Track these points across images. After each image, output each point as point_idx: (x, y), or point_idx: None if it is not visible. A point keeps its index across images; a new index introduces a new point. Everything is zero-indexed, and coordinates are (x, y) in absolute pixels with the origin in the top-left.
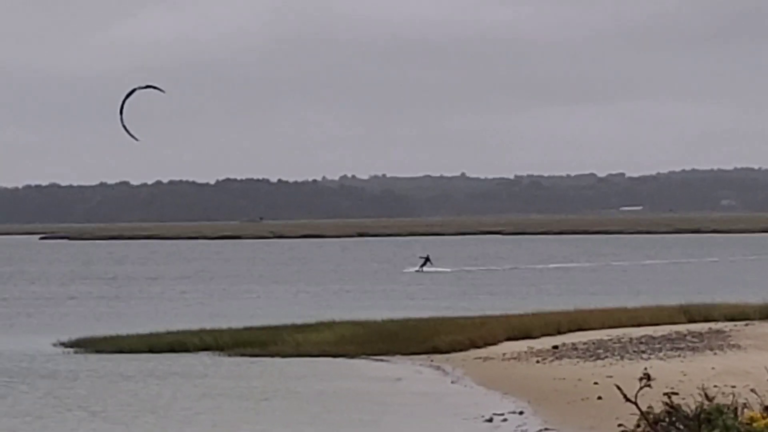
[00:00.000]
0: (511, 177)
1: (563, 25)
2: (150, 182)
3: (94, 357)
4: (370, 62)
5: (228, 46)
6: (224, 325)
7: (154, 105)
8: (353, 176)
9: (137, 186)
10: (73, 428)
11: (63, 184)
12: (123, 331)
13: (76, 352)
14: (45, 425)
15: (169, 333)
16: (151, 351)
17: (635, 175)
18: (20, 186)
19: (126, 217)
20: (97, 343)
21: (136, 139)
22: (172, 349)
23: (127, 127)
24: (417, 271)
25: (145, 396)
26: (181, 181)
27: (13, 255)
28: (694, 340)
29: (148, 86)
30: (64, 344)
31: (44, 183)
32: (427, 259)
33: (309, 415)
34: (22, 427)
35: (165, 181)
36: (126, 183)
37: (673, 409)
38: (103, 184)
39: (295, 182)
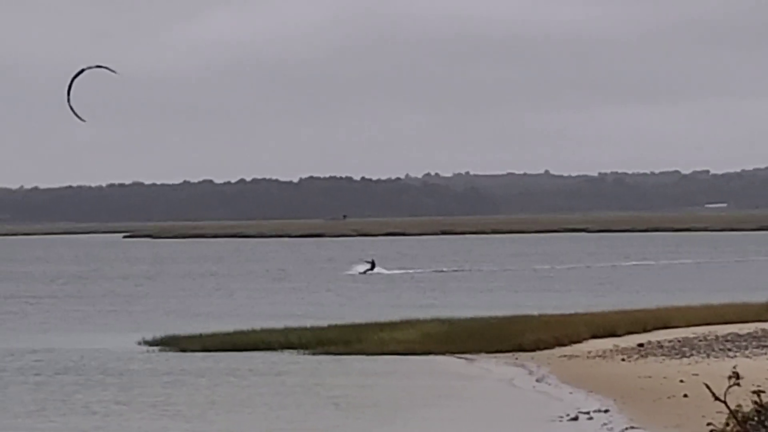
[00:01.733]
0: (595, 174)
1: (632, 22)
2: (233, 180)
3: (177, 355)
4: (444, 61)
5: (299, 45)
6: (308, 323)
7: (234, 103)
8: (436, 174)
9: (220, 184)
10: (148, 426)
11: (146, 182)
12: (208, 329)
13: (160, 351)
14: (118, 423)
15: (252, 331)
16: (235, 349)
17: (720, 172)
18: (104, 185)
19: (209, 216)
20: (182, 341)
21: (83, 120)
22: (256, 348)
23: (73, 107)
24: (361, 273)
25: (224, 394)
26: (264, 179)
27: (96, 254)
28: None
29: (98, 66)
30: (148, 342)
31: (127, 182)
32: (373, 264)
33: (391, 412)
34: (93, 425)
35: (248, 179)
36: (209, 181)
37: (762, 408)
38: (186, 183)
39: (379, 180)
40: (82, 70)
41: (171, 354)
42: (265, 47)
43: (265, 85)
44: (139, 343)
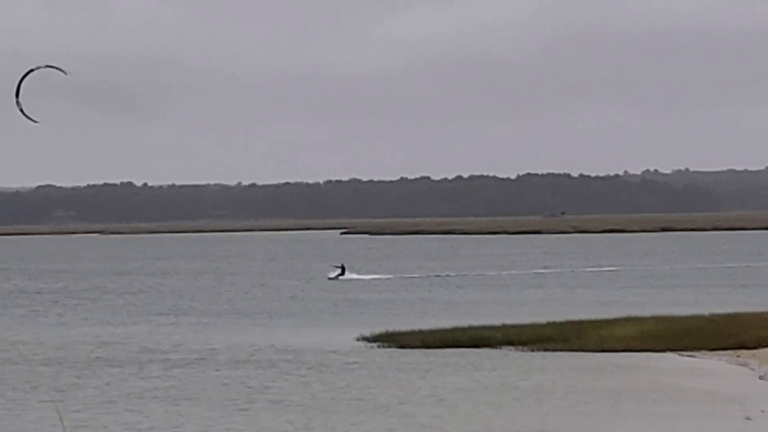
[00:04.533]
0: None
1: None
2: (450, 177)
3: (395, 352)
4: (647, 55)
5: (500, 40)
6: (526, 320)
7: (444, 99)
8: (655, 170)
9: (438, 181)
10: (356, 419)
11: (364, 179)
12: (426, 325)
13: (379, 347)
14: (333, 419)
15: (471, 328)
16: (453, 346)
17: None
18: (321, 181)
19: (426, 212)
20: (400, 337)
21: (35, 122)
22: (475, 344)
23: (23, 108)
24: (331, 279)
25: (429, 389)
26: (481, 176)
27: (314, 251)
28: None
29: (47, 66)
30: (366, 339)
31: (345, 178)
32: (343, 269)
33: (601, 409)
34: (294, 421)
35: (465, 175)
36: (427, 178)
37: None
38: (403, 179)
39: (597, 177)
40: (31, 70)
41: (389, 350)
42: (470, 42)
43: (473, 81)
44: (358, 339)
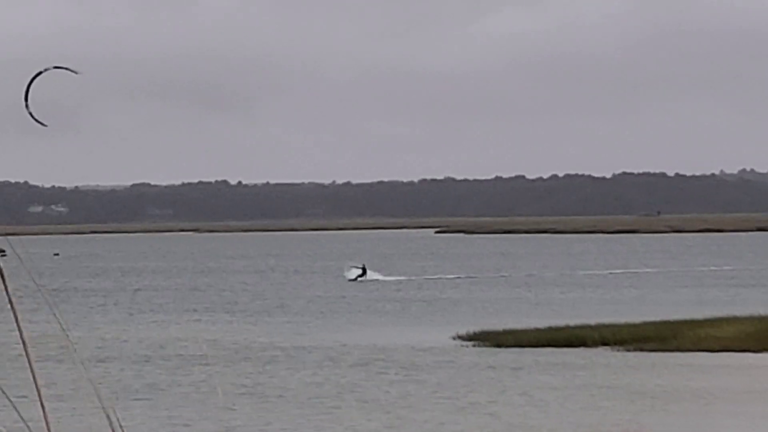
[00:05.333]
0: None
1: None
2: (545, 176)
3: (489, 351)
4: (745, 54)
5: (594, 38)
6: (622, 320)
7: (538, 97)
8: (752, 170)
9: (533, 180)
10: (443, 419)
11: (458, 177)
12: (522, 324)
13: (474, 346)
14: (408, 417)
15: (567, 327)
16: (548, 345)
17: None
18: (416, 180)
19: (521, 211)
20: (496, 336)
21: (44, 125)
22: (570, 344)
23: (33, 113)
24: (351, 280)
25: (520, 388)
26: (576, 175)
27: (409, 249)
28: None
29: (57, 67)
30: (462, 337)
31: (440, 177)
32: (364, 270)
33: (694, 408)
34: (381, 420)
35: (561, 174)
36: (522, 177)
37: None
38: (498, 178)
39: (693, 176)
40: (40, 72)
41: (484, 349)
42: (565, 40)
43: (569, 79)
44: (453, 338)
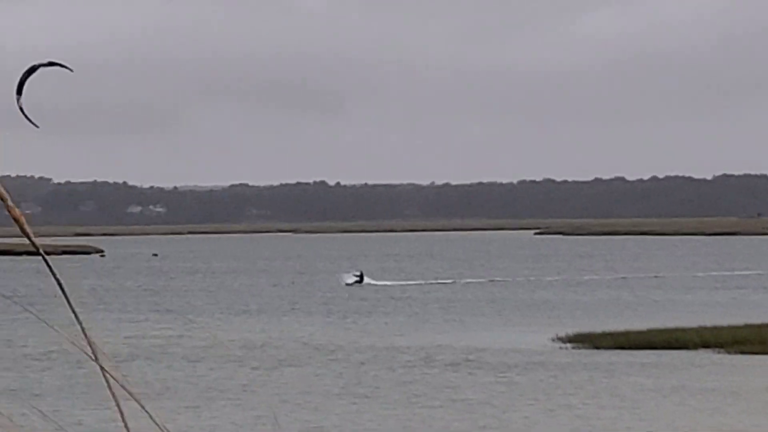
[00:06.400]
0: None
1: None
2: (645, 177)
3: (587, 352)
4: None
5: (691, 37)
6: (724, 322)
7: (635, 98)
8: None
9: (632, 181)
10: (535, 419)
11: (558, 179)
12: (620, 326)
13: (572, 348)
14: (498, 417)
15: (666, 329)
16: (648, 347)
17: None
18: (515, 181)
19: (621, 213)
20: (594, 338)
21: (36, 126)
22: (669, 346)
23: (25, 111)
24: (348, 285)
25: (614, 389)
26: (677, 177)
27: (507, 251)
28: None
29: (51, 63)
30: (561, 339)
31: (538, 178)
32: (361, 276)
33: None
34: (471, 419)
35: (660, 176)
36: (621, 178)
37: None
38: (598, 180)
39: None
40: (34, 68)
41: (582, 351)
42: (662, 40)
43: (669, 80)
44: (552, 340)
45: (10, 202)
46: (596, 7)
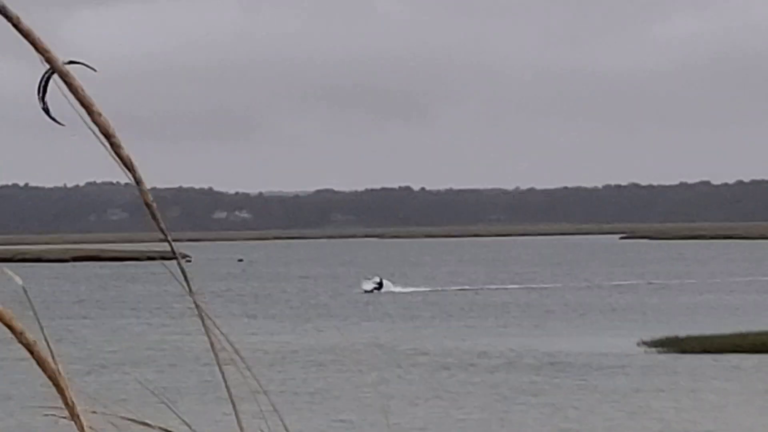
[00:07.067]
0: None
1: None
2: (731, 182)
3: (674, 356)
4: None
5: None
6: None
7: (717, 100)
8: None
9: (718, 185)
10: (615, 422)
11: (643, 183)
12: (707, 330)
13: (658, 352)
14: (579, 420)
15: (753, 333)
16: (734, 351)
17: None
18: (600, 186)
19: (706, 217)
20: (681, 342)
21: (62, 124)
22: (757, 350)
23: (50, 111)
24: (367, 292)
25: (697, 393)
26: (763, 181)
27: (594, 255)
28: None
29: (71, 62)
30: (647, 343)
31: (624, 183)
32: (381, 283)
33: None
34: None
35: (746, 180)
36: (707, 182)
37: None
38: (683, 184)
39: None
40: (51, 70)
41: (668, 355)
42: (748, 43)
43: (755, 82)
44: (638, 344)
45: (155, 209)
46: (681, 9)
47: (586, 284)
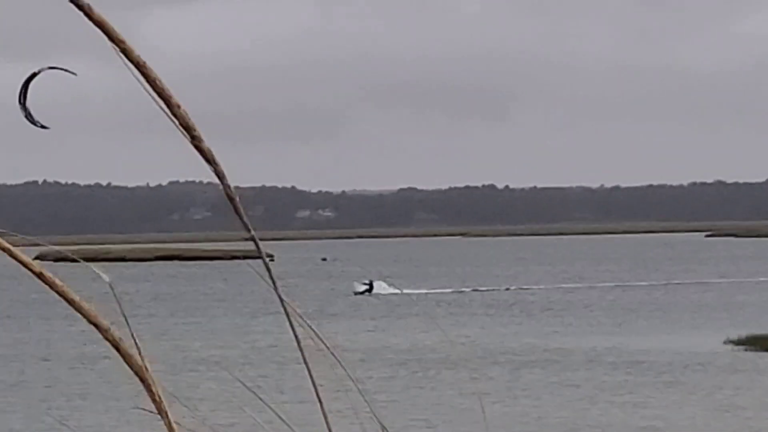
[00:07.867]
0: None
1: None
2: None
3: (758, 354)
4: None
5: None
6: None
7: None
8: None
9: None
10: (706, 420)
11: (728, 181)
12: None
13: (745, 350)
14: (664, 417)
15: None
16: None
17: None
18: (685, 183)
19: None
20: (765, 341)
21: (46, 128)
22: None
23: (32, 114)
24: (357, 293)
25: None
26: None
27: (679, 254)
28: None
29: (51, 67)
30: (733, 342)
31: (709, 180)
32: (371, 286)
33: None
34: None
35: None
36: None
37: None
38: None
39: None
40: (35, 74)
41: (754, 353)
42: None
43: None
44: (725, 342)
45: (238, 203)
46: (764, 6)
47: (671, 282)
